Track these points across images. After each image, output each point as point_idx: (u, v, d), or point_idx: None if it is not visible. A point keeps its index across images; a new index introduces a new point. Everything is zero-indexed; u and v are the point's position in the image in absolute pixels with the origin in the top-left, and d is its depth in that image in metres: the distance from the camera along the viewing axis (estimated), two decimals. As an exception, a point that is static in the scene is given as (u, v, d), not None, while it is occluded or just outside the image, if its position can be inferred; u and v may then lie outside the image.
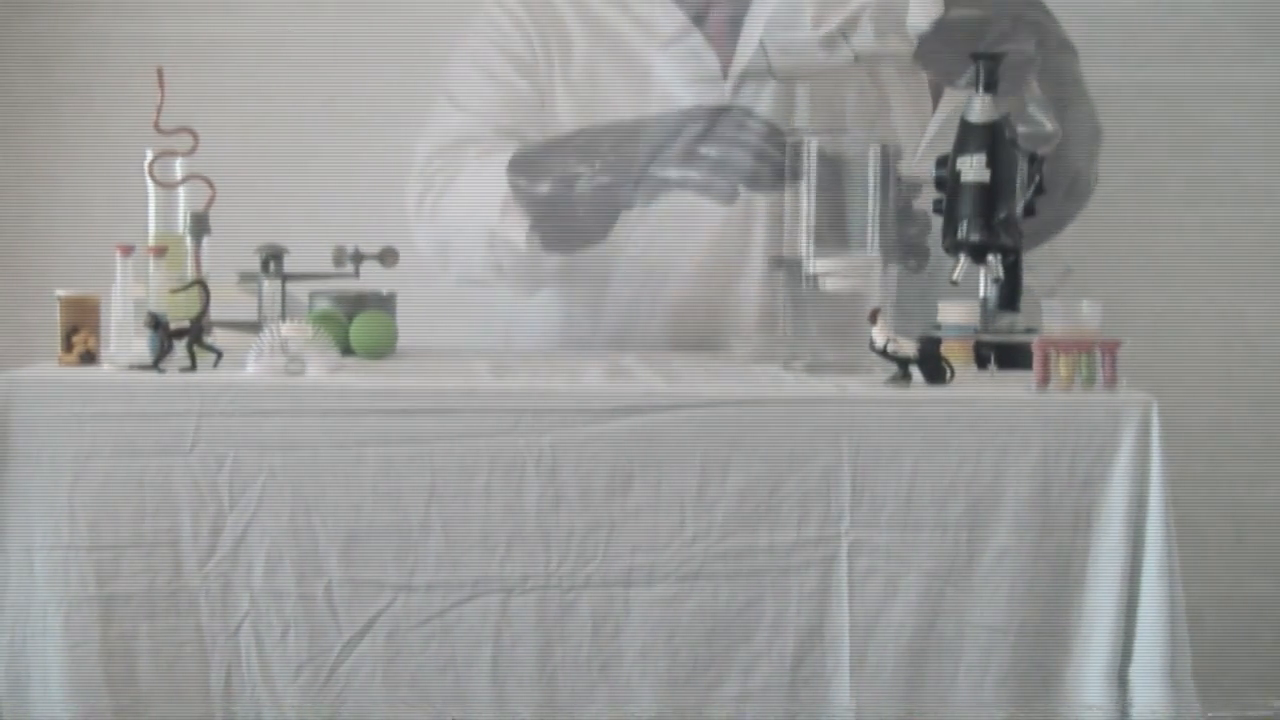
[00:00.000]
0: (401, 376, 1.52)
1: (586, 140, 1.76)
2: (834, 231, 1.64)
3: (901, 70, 1.99)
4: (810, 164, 1.64)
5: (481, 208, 1.83)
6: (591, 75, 1.91)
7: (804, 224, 1.63)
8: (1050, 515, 1.45)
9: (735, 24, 1.93)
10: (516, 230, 1.80)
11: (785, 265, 1.67)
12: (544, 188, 1.77)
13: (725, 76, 1.90)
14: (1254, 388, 2.33)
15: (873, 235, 1.63)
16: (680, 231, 1.89)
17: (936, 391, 1.47)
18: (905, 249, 1.74)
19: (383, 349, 1.70)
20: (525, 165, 1.79)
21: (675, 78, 1.90)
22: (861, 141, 1.66)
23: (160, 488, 1.48)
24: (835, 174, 1.65)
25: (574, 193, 1.75)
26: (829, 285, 1.61)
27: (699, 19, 1.92)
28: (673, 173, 1.66)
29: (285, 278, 1.73)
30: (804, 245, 1.63)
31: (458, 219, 1.88)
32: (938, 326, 1.64)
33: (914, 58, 1.69)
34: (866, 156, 1.65)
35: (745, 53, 1.90)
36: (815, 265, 1.63)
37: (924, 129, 1.93)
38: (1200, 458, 2.22)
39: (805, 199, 1.63)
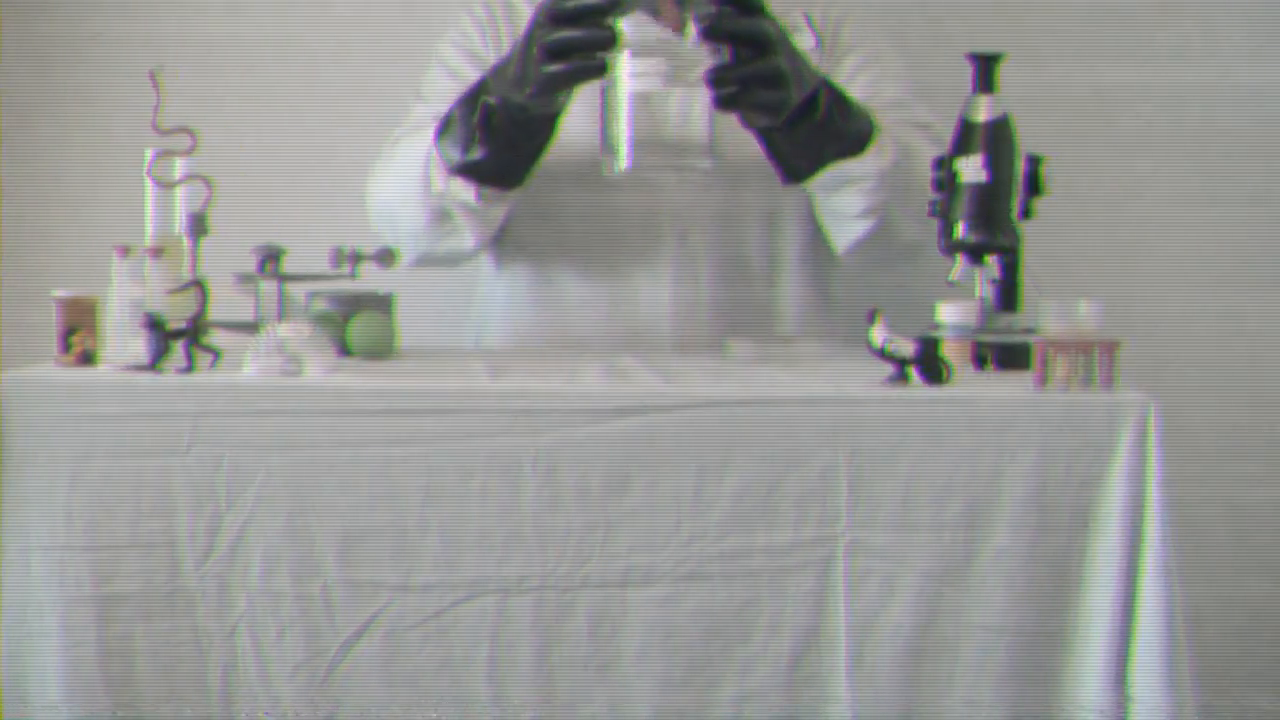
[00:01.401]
0: (399, 377, 1.53)
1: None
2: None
3: None
4: None
5: (414, 174, 1.83)
6: None
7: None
8: (1049, 515, 1.45)
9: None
10: (464, 190, 1.79)
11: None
12: (462, 141, 1.76)
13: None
14: (1254, 388, 2.34)
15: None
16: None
17: (935, 392, 1.47)
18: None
19: (381, 350, 1.70)
20: (445, 130, 1.79)
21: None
22: None
23: (158, 488, 1.48)
24: None
25: (491, 122, 1.74)
26: (637, 86, 1.59)
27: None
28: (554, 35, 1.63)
29: (283, 278, 1.73)
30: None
31: (393, 194, 1.89)
32: (936, 326, 1.63)
33: None
34: None
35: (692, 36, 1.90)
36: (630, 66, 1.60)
37: None
38: (1199, 458, 2.22)
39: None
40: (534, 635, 1.47)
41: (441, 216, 1.85)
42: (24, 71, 2.38)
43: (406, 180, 1.84)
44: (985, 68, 1.68)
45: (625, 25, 1.60)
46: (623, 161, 1.60)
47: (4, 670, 1.49)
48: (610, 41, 1.59)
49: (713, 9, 1.60)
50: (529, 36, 1.65)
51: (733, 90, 1.61)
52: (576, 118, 1.79)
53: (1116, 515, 1.43)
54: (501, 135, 1.75)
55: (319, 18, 2.37)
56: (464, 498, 1.46)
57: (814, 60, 1.93)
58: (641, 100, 1.59)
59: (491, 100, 1.72)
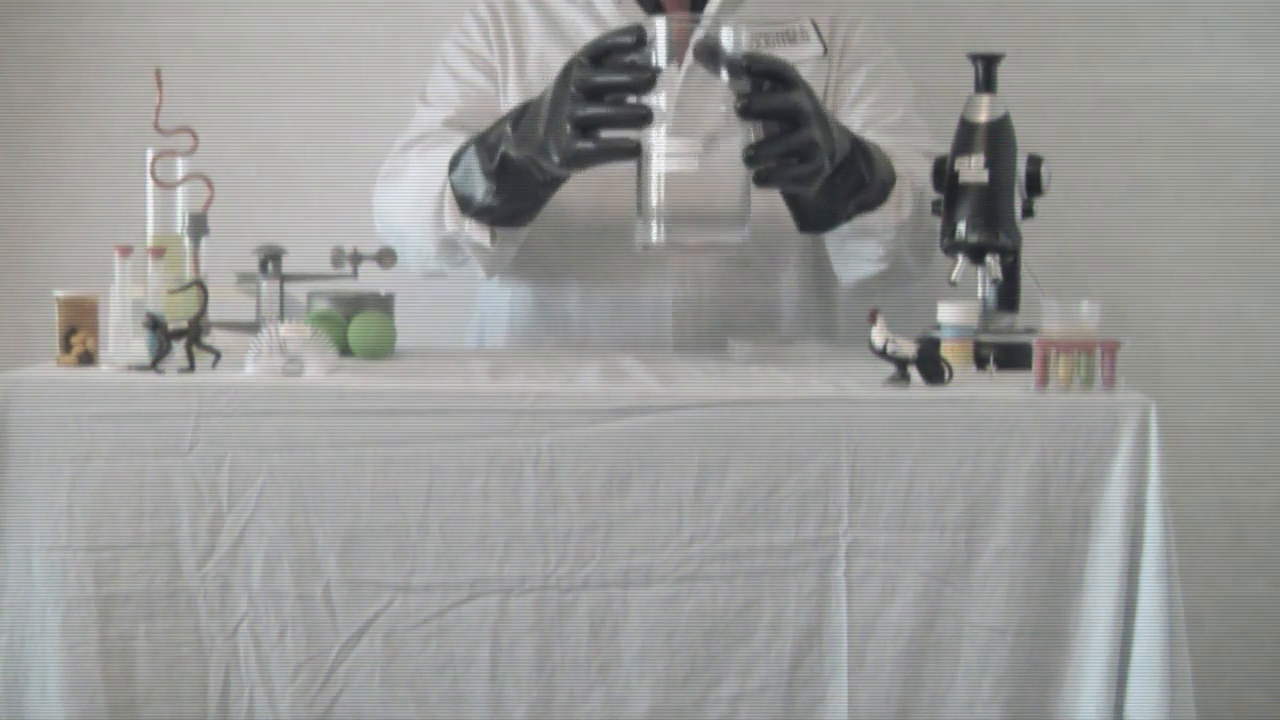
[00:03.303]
0: (400, 377, 1.53)
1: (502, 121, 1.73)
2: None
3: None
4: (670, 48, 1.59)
5: (426, 207, 1.80)
6: (543, 70, 1.91)
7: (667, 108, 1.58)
8: (1049, 515, 1.45)
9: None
10: (479, 233, 1.78)
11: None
12: (482, 185, 1.74)
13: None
14: (1254, 388, 2.33)
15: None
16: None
17: (935, 392, 1.47)
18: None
19: (381, 350, 1.70)
20: (463, 169, 1.76)
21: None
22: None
23: (159, 488, 1.48)
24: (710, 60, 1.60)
25: (508, 172, 1.71)
26: (670, 165, 1.57)
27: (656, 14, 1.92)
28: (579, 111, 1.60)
29: (283, 278, 1.73)
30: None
31: (404, 219, 1.86)
32: (937, 327, 1.63)
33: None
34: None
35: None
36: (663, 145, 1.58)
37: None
38: (1199, 459, 2.22)
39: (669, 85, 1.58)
40: (534, 635, 1.47)
41: (452, 249, 1.84)
42: (23, 71, 2.38)
43: (417, 210, 1.82)
44: (986, 68, 1.68)
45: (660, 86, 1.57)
46: (656, 236, 1.59)
47: (3, 670, 1.49)
48: (645, 121, 1.57)
49: (747, 86, 1.58)
50: (556, 102, 1.61)
51: (770, 166, 1.60)
52: None
53: (1117, 516, 1.43)
54: (519, 186, 1.73)
55: (319, 17, 2.37)
56: (465, 498, 1.46)
57: (819, 68, 1.94)
58: (675, 179, 1.58)
59: (513, 154, 1.68)
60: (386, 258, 1.77)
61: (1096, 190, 2.31)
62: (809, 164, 1.61)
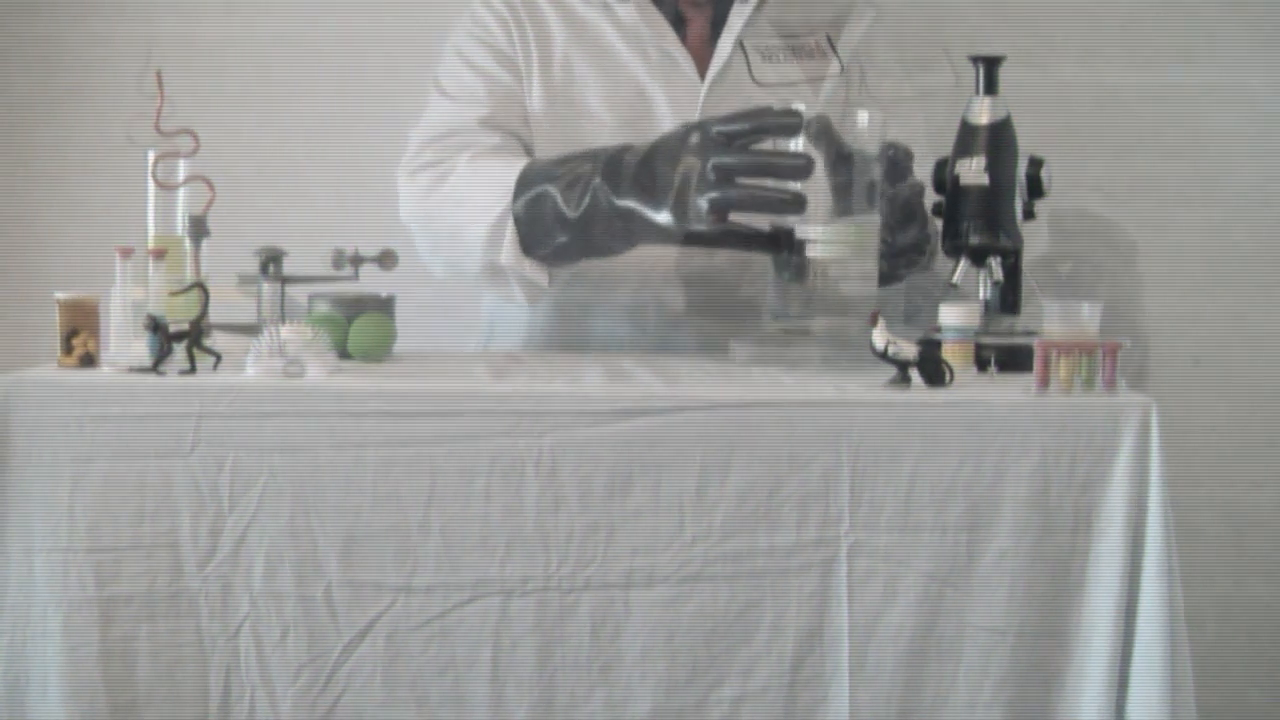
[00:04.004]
0: (401, 379, 1.53)
1: (593, 163, 1.70)
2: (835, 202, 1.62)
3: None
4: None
5: (478, 230, 1.77)
6: (568, 75, 1.90)
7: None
8: (1050, 517, 1.45)
9: (714, 28, 1.93)
10: (538, 274, 1.76)
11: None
12: (561, 234, 1.71)
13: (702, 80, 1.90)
14: (1254, 389, 2.33)
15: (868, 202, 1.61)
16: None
17: (936, 394, 1.47)
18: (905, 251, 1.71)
19: (382, 351, 1.70)
20: (533, 209, 1.73)
21: (652, 83, 1.89)
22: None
23: (160, 490, 1.48)
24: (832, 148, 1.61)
25: (596, 215, 1.67)
26: (816, 251, 1.59)
27: (678, 23, 1.92)
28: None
29: (284, 280, 1.73)
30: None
31: (447, 231, 1.83)
32: (938, 329, 1.63)
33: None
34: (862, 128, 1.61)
35: (721, 58, 1.90)
36: (803, 231, 1.60)
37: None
38: (1200, 460, 2.22)
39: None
40: (536, 637, 1.47)
41: (499, 275, 1.80)
42: (24, 72, 2.37)
43: (467, 227, 1.78)
44: (987, 70, 1.68)
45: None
46: (795, 315, 1.62)
47: (4, 671, 1.49)
48: (799, 207, 1.57)
49: (879, 172, 1.61)
50: (692, 159, 1.59)
51: (889, 267, 1.66)
52: (585, 125, 1.80)
53: (1117, 517, 1.43)
54: (597, 237, 1.70)
55: (319, 18, 2.37)
56: (466, 499, 1.47)
57: (838, 86, 1.94)
58: (824, 264, 1.60)
59: (617, 203, 1.64)
60: (387, 260, 1.77)
61: (1096, 191, 2.31)
62: (922, 256, 1.68)
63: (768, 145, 1.61)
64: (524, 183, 1.74)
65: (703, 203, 1.58)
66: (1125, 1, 2.33)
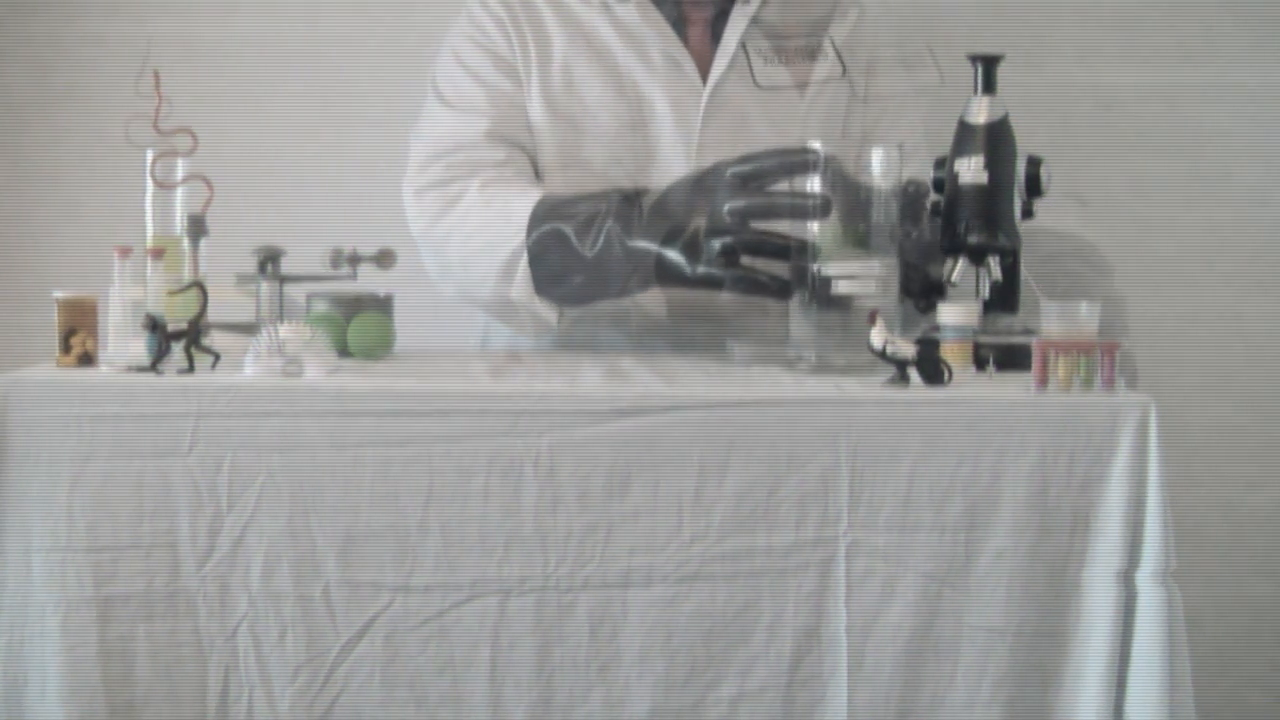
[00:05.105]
0: (399, 378, 1.53)
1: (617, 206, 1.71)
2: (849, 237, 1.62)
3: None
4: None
5: (491, 262, 1.78)
6: (567, 78, 1.89)
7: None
8: (1048, 516, 1.45)
9: (713, 30, 1.92)
10: (548, 312, 1.77)
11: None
12: (578, 276, 1.72)
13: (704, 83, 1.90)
14: (1253, 389, 2.33)
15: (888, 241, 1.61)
16: None
17: (935, 393, 1.47)
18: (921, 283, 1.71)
19: (380, 350, 1.70)
20: (549, 248, 1.73)
21: (653, 85, 1.89)
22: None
23: (158, 489, 1.48)
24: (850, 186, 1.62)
25: (609, 256, 1.69)
26: (841, 288, 1.59)
27: (678, 24, 1.91)
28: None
29: (283, 279, 1.73)
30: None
31: (458, 259, 1.83)
32: (937, 328, 1.63)
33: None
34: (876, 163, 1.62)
35: (724, 60, 1.90)
36: (828, 268, 1.60)
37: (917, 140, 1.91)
38: (1199, 459, 2.22)
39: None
40: (534, 636, 1.47)
41: (509, 307, 1.82)
42: (22, 71, 2.38)
43: (478, 258, 1.80)
44: (985, 69, 1.68)
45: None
46: (819, 353, 1.62)
47: (2, 671, 1.49)
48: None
49: (895, 209, 1.61)
50: (698, 215, 1.62)
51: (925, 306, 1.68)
52: (585, 127, 1.80)
53: (1116, 517, 1.43)
54: (610, 278, 1.71)
55: (318, 18, 2.37)
56: (464, 499, 1.46)
57: (839, 89, 1.94)
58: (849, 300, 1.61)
59: (631, 245, 1.66)
60: (385, 259, 1.77)
61: (1096, 190, 2.31)
62: (940, 293, 1.68)
63: (784, 185, 1.63)
64: (537, 218, 1.75)
65: (715, 245, 1.61)
66: (1124, 1, 2.33)
